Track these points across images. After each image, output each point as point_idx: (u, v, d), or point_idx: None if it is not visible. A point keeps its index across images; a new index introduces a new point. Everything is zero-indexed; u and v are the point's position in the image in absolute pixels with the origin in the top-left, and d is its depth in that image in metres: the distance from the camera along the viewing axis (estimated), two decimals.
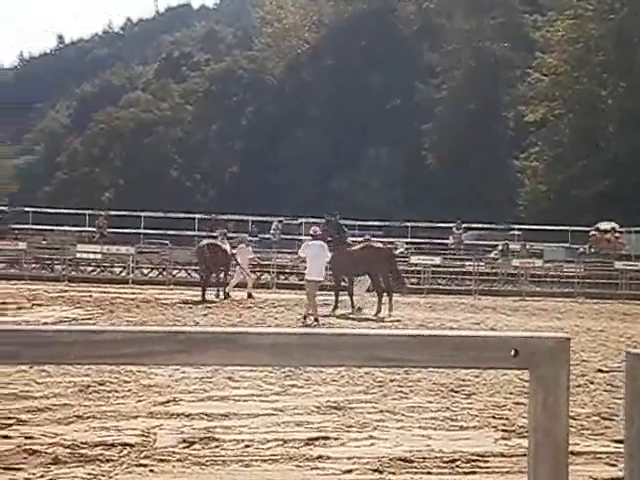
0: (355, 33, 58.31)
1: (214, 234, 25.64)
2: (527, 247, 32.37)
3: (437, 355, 1.71)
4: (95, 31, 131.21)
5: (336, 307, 18.70)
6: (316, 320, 15.95)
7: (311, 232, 17.53)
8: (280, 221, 33.28)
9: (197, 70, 72.89)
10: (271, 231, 32.63)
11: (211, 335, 1.72)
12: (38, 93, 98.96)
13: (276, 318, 16.73)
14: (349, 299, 18.96)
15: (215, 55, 75.09)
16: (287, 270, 29.32)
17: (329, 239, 18.44)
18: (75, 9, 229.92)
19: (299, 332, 1.77)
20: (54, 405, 7.36)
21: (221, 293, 21.87)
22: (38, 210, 38.07)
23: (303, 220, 33.10)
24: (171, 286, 26.30)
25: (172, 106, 69.15)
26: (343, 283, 19.49)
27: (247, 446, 6.05)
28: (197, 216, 35.49)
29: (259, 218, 34.46)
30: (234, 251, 23.07)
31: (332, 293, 19.27)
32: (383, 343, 1.67)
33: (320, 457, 5.81)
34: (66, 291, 22.22)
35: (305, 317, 16.13)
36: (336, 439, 6.35)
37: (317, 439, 6.31)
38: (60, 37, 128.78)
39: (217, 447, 6.02)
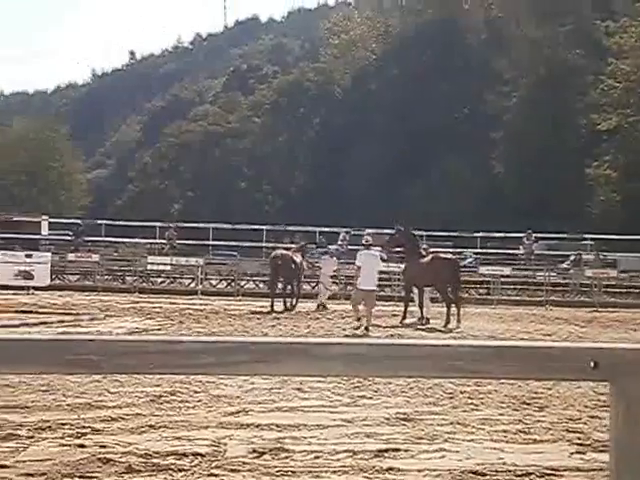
0: (422, 43, 58.16)
1: (288, 245, 25.74)
2: (601, 257, 31.70)
3: (514, 366, 1.67)
4: (165, 46, 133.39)
5: (404, 317, 18.61)
6: (366, 329, 16.02)
7: (363, 241, 17.67)
8: (347, 232, 33.22)
9: (265, 82, 73.58)
10: (338, 242, 32.61)
11: (288, 345, 1.72)
12: (110, 108, 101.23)
13: (344, 329, 16.70)
14: (418, 310, 18.86)
15: (282, 67, 75.73)
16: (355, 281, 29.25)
17: (400, 249, 18.41)
18: (146, 25, 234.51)
19: (374, 342, 1.75)
20: (127, 415, 7.46)
21: (289, 304, 21.91)
22: (110, 223, 38.84)
23: (370, 231, 32.99)
24: (239, 297, 26.51)
25: (240, 119, 69.91)
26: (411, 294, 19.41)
27: (317, 457, 6.03)
28: (265, 227, 35.70)
29: (327, 229, 34.50)
30: (319, 263, 23.18)
31: (393, 304, 19.28)
32: (460, 354, 1.64)
33: (390, 469, 5.76)
34: (137, 302, 22.58)
35: (367, 328, 16.12)
36: (406, 451, 6.29)
37: (387, 451, 6.25)
38: (132, 53, 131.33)
39: (287, 458, 6.02)
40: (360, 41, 65.83)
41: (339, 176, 56.14)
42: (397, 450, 6.29)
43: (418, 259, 18.85)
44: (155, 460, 5.85)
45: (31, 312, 18.39)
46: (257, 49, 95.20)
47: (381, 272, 18.92)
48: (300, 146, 63.11)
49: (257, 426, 7.04)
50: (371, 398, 8.61)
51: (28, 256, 27.01)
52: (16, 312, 18.33)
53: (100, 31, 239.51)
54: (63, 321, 16.26)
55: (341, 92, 63.67)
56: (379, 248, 18.35)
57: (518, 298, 28.55)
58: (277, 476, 5.56)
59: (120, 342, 1.70)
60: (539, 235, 34.10)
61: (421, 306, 18.83)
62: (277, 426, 7.05)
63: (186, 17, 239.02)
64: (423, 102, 55.54)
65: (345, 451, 6.21)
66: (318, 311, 21.32)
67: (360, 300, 16.56)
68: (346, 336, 15.32)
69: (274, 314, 20.10)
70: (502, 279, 29.13)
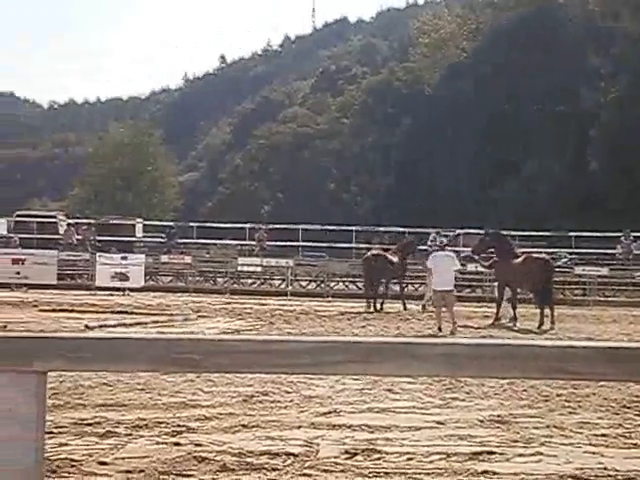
0: (514, 39, 57.15)
1: (379, 245, 25.65)
2: None
3: (628, 369, 1.60)
4: (255, 50, 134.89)
5: (497, 319, 18.35)
6: (439, 329, 16.06)
7: (437, 243, 17.56)
8: (437, 232, 32.84)
9: (354, 83, 73.65)
10: (428, 242, 32.29)
11: (386, 345, 1.68)
12: (202, 112, 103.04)
13: (435, 331, 16.54)
14: (512, 311, 18.55)
15: (371, 68, 75.66)
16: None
17: (491, 251, 18.28)
18: (236, 30, 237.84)
19: (477, 342, 1.70)
20: (220, 414, 7.54)
21: (379, 304, 21.79)
22: (202, 225, 39.46)
23: (461, 231, 32.60)
24: (329, 298, 26.57)
25: (329, 120, 70.15)
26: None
27: (410, 459, 5.97)
28: (354, 228, 35.68)
29: (416, 229, 34.22)
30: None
31: (485, 305, 19.03)
32: (570, 355, 1.57)
33: (485, 472, 5.66)
34: (228, 303, 22.87)
35: (452, 332, 16.00)
36: (501, 454, 6.17)
37: (481, 454, 6.14)
38: (222, 57, 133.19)
39: (379, 459, 5.98)
40: (450, 39, 65.21)
41: (429, 176, 55.72)
42: (492, 453, 6.17)
43: (511, 260, 18.57)
44: (249, 459, 5.89)
45: (127, 313, 18.84)
46: (346, 50, 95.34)
47: (470, 273, 18.81)
48: (389, 146, 62.89)
49: (349, 427, 7.02)
50: (463, 400, 8.49)
51: (124, 258, 27.68)
52: (113, 313, 18.82)
53: (192, 36, 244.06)
54: (157, 322, 16.58)
55: (431, 91, 63.19)
56: (469, 249, 18.15)
57: (616, 299, 27.76)
58: (370, 477, 5.53)
59: (220, 341, 1.70)
60: (638, 234, 33.08)
61: (514, 307, 18.51)
62: (369, 427, 7.01)
63: (275, 20, 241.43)
64: (516, 99, 54.60)
65: (438, 453, 6.12)
66: (424, 311, 20.84)
67: (440, 302, 16.55)
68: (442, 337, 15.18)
69: (375, 313, 20.11)
70: (599, 279, 28.38)
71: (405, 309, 21.35)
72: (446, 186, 53.17)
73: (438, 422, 7.28)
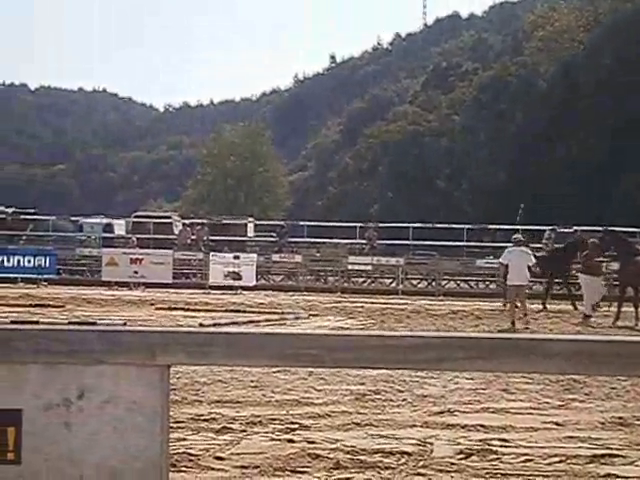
0: (635, 30, 55.11)
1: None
2: None
3: None
4: (365, 48, 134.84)
5: (617, 318, 17.79)
6: (512, 324, 16.26)
7: (513, 239, 17.55)
8: (553, 229, 32.00)
9: (465, 80, 72.70)
10: (543, 240, 31.50)
11: (510, 342, 1.63)
12: (311, 112, 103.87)
13: (551, 330, 16.17)
14: (634, 311, 17.96)
15: (483, 63, 74.46)
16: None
17: (613, 252, 17.98)
18: (346, 29, 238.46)
19: (603, 339, 1.62)
20: (333, 412, 7.56)
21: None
22: (312, 224, 39.74)
23: (578, 228, 31.67)
24: (440, 297, 26.32)
25: (439, 117, 69.50)
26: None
27: (527, 460, 5.83)
28: (466, 226, 35.20)
29: (530, 227, 33.48)
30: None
31: (611, 304, 18.53)
32: None
33: (608, 475, 5.47)
34: (339, 302, 22.94)
35: (513, 324, 16.26)
36: (624, 457, 5.95)
37: (603, 456, 5.94)
38: (332, 57, 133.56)
39: (496, 460, 5.86)
40: (567, 32, 63.50)
41: (542, 172, 54.42)
42: (615, 456, 5.96)
43: (633, 258, 18.05)
44: (362, 457, 5.87)
45: (239, 311, 19.15)
46: (457, 46, 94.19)
47: None
48: (501, 143, 61.80)
49: (463, 427, 6.91)
50: (583, 401, 8.24)
51: (236, 257, 28.13)
52: (226, 311, 19.16)
53: (302, 37, 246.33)
54: (269, 320, 16.79)
55: (546, 86, 61.68)
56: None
57: None
58: (486, 478, 5.42)
59: (339, 337, 1.69)
60: None
61: (636, 306, 17.92)
62: (484, 427, 6.89)
63: (386, 18, 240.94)
64: (637, 93, 52.65)
65: (557, 455, 5.96)
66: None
67: (514, 297, 16.94)
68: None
69: (476, 313, 19.80)
70: None
71: (576, 308, 20.80)
72: (561, 182, 51.81)
73: (556, 423, 7.09)
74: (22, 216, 37.33)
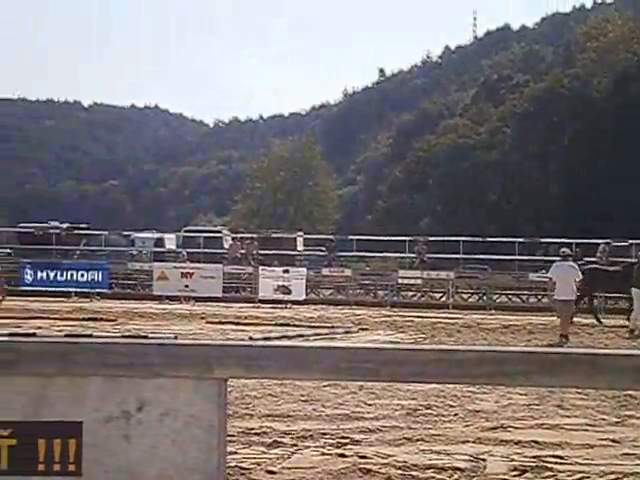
0: None
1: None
2: None
3: None
4: (414, 62, 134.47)
5: None
6: (566, 337, 16.12)
7: (560, 253, 17.48)
8: (607, 243, 31.49)
9: (516, 92, 72.08)
10: (597, 254, 31.01)
11: (572, 357, 1.60)
12: (361, 126, 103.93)
13: (606, 345, 15.91)
14: None
15: (534, 75, 73.75)
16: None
17: None
18: (395, 43, 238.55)
19: None
20: (384, 427, 7.51)
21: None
22: (361, 238, 39.69)
23: (633, 242, 31.10)
24: (492, 311, 26.06)
25: (490, 130, 69.00)
26: None
27: (583, 478, 5.73)
28: (517, 240, 34.82)
29: (584, 240, 32.99)
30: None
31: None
32: None
33: None
34: (389, 316, 22.85)
35: (564, 337, 16.13)
36: None
37: None
38: (381, 71, 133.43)
39: (551, 477, 5.77)
40: (621, 43, 62.67)
41: (596, 185, 53.64)
42: None
43: None
44: (414, 473, 5.82)
45: (289, 325, 19.20)
46: (508, 58, 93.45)
47: None
48: (552, 155, 61.11)
49: (516, 443, 6.82)
50: None
51: (285, 271, 28.21)
52: (276, 325, 19.23)
53: (351, 51, 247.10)
54: (319, 334, 16.78)
55: (599, 97, 60.88)
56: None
57: None
58: None
59: (395, 351, 1.68)
60: None
61: None
62: (538, 443, 6.79)
63: (436, 31, 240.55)
64: None
65: (614, 473, 5.84)
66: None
67: (563, 312, 16.81)
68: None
69: (529, 327, 19.56)
70: None
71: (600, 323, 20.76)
72: (616, 195, 50.97)
73: (613, 440, 6.95)
74: (76, 231, 37.98)
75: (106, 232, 38.90)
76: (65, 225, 38.69)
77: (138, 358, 1.90)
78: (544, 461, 6.18)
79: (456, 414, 8.19)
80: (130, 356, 1.91)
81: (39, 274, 29.81)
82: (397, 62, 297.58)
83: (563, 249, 18.05)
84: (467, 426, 7.60)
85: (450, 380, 1.74)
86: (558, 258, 17.75)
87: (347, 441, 6.85)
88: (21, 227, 41.13)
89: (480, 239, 35.65)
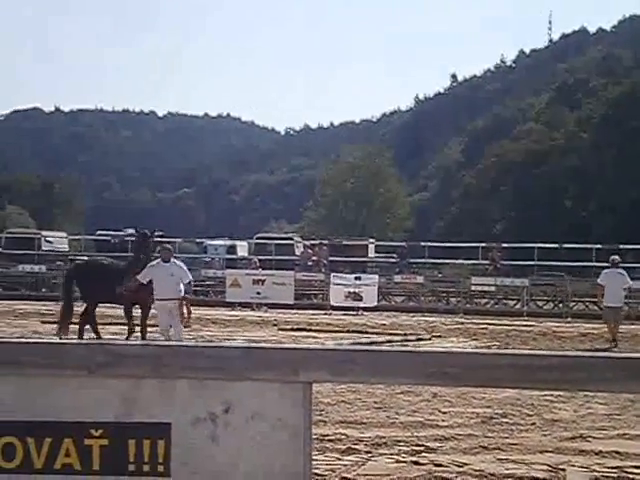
0: None
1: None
2: None
3: None
4: (487, 66, 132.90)
5: None
6: (614, 341, 16.49)
7: (610, 260, 17.50)
8: None
9: (592, 96, 70.70)
10: None
11: None
12: (432, 131, 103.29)
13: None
14: None
15: (612, 79, 72.23)
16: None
17: None
18: (468, 47, 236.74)
19: None
20: (459, 435, 7.44)
21: None
22: (433, 244, 39.39)
23: None
24: (568, 319, 25.57)
25: (565, 135, 67.77)
26: None
27: None
28: (594, 246, 34.11)
29: None
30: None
31: None
32: None
33: None
34: (462, 323, 22.62)
35: (613, 341, 16.52)
36: None
37: None
38: (453, 76, 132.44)
39: None
40: None
41: None
42: None
43: None
44: None
45: (361, 332, 19.16)
46: (584, 61, 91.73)
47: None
48: (631, 161, 59.67)
49: (597, 453, 6.67)
50: None
51: (357, 278, 28.17)
52: (347, 332, 19.21)
53: (422, 57, 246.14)
54: (391, 341, 16.72)
55: None
56: None
57: None
58: None
59: (483, 355, 1.65)
60: None
61: None
62: (619, 454, 6.63)
63: (509, 36, 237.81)
64: None
65: None
66: None
67: (611, 318, 17.03)
68: None
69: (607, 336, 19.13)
70: None
71: None
72: None
73: None
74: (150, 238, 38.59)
75: (180, 239, 39.47)
76: (142, 232, 39.35)
77: (225, 361, 1.93)
78: (626, 472, 6.04)
79: (533, 423, 8.06)
80: (217, 359, 1.94)
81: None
82: (470, 67, 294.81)
83: (613, 257, 18.04)
84: (545, 435, 7.47)
85: (540, 386, 1.71)
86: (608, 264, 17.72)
87: (422, 449, 6.81)
88: (98, 235, 42.07)
89: (556, 246, 35.04)
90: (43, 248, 38.50)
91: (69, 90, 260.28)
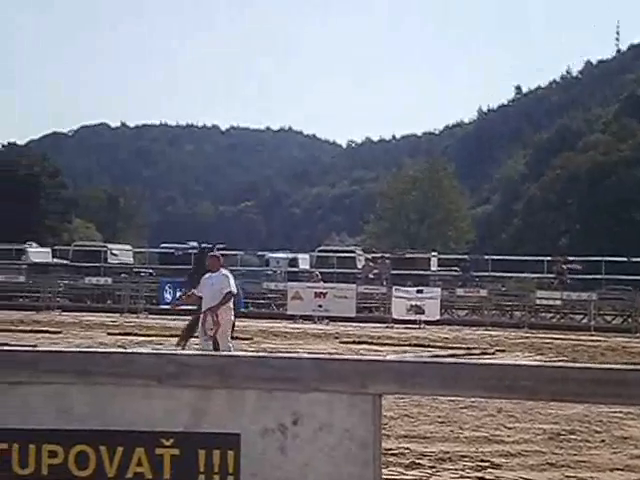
0: None
1: None
2: None
3: None
4: (552, 77, 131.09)
5: None
6: None
7: None
8: None
9: None
10: None
11: None
12: (496, 144, 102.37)
13: None
14: None
15: None
16: None
17: None
18: (532, 59, 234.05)
19: None
20: (525, 451, 7.32)
21: None
22: (497, 257, 38.98)
23: None
24: (638, 334, 25.00)
25: (633, 146, 66.49)
26: None
27: None
28: None
29: None
30: None
31: None
32: None
33: None
34: (527, 337, 22.29)
35: None
36: None
37: None
38: (518, 88, 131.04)
39: None
40: None
41: None
42: None
43: None
44: None
45: (423, 346, 19.02)
46: None
47: None
48: None
49: None
50: None
51: (419, 291, 27.99)
52: (410, 345, 19.09)
53: (485, 69, 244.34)
54: (454, 355, 16.55)
55: None
56: None
57: None
58: None
59: (558, 369, 1.61)
60: None
61: None
62: None
63: (574, 46, 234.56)
64: None
65: None
66: None
67: None
68: None
69: None
70: None
71: None
72: None
73: None
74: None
75: (242, 252, 39.78)
76: (203, 245, 39.78)
77: (294, 372, 1.92)
78: None
79: (602, 440, 7.88)
80: (285, 370, 1.93)
81: (178, 293, 30.75)
82: (534, 78, 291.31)
83: None
84: (615, 453, 7.29)
85: (607, 400, 1.65)
86: None
87: (487, 464, 6.71)
88: (162, 248, 42.67)
89: (624, 259, 34.33)
90: (109, 261, 39.20)
91: (135, 105, 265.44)
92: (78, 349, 2.42)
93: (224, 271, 12.46)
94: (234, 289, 12.28)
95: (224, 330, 11.99)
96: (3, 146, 76.58)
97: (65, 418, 2.20)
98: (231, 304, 12.30)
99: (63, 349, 2.64)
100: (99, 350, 2.37)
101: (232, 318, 12.44)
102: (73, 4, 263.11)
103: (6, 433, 2.27)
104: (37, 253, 40.28)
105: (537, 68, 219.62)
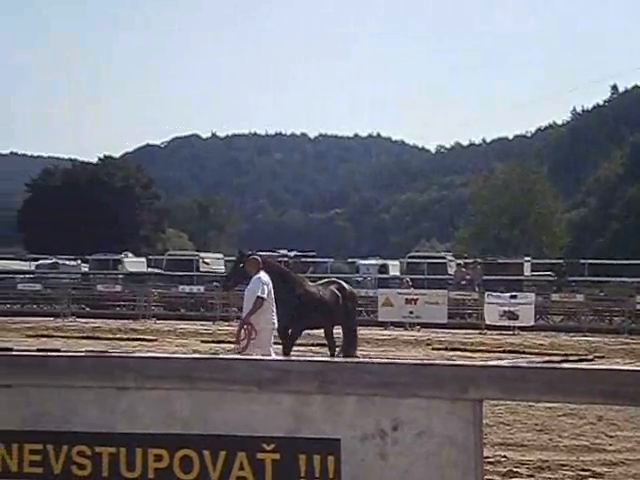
0: None
1: None
2: None
3: None
4: None
5: None
6: None
7: None
8: None
9: None
10: None
11: None
12: (591, 145, 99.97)
13: None
14: None
15: None
16: None
17: None
18: (629, 57, 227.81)
19: None
20: (628, 459, 7.12)
21: None
22: (593, 261, 38.06)
23: None
24: None
25: None
26: None
27: None
28: None
29: None
30: None
31: None
32: None
33: None
34: (627, 344, 21.70)
35: None
36: None
37: None
38: (614, 87, 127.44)
39: None
40: None
41: None
42: None
43: None
44: None
45: (518, 352, 18.69)
46: None
47: None
48: None
49: None
50: None
51: (512, 297, 27.55)
52: (504, 352, 18.78)
53: (579, 68, 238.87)
54: (550, 362, 16.21)
55: None
56: None
57: None
58: None
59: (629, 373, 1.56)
60: None
61: None
62: None
63: None
64: None
65: None
66: None
67: None
68: None
69: None
70: None
71: None
72: None
73: None
74: (302, 259, 39.26)
75: (331, 259, 39.89)
76: (293, 253, 40.12)
77: (392, 377, 1.92)
78: None
79: None
80: (384, 375, 1.93)
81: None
82: (632, 77, 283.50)
83: None
84: None
85: None
86: None
87: (588, 474, 6.55)
88: None
89: None
90: (201, 269, 39.87)
91: (224, 116, 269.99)
92: (182, 355, 2.48)
93: (260, 274, 11.57)
94: (263, 294, 11.26)
95: (261, 337, 11.21)
96: (100, 159, 78.83)
97: (169, 423, 2.26)
98: (273, 308, 11.47)
99: (168, 355, 2.71)
100: (202, 356, 2.41)
101: (273, 324, 11.52)
102: (166, 20, 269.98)
103: (114, 438, 2.34)
104: (133, 263, 41.33)
105: (634, 67, 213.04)
